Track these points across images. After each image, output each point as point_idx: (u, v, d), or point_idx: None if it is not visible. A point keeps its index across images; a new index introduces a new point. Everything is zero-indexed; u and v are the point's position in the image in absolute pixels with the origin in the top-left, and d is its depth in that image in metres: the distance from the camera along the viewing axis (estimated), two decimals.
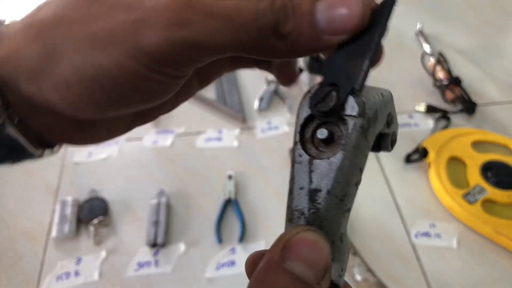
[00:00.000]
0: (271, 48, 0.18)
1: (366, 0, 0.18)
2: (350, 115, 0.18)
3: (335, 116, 0.18)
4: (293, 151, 0.19)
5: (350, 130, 0.18)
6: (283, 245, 0.16)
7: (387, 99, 0.20)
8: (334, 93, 0.18)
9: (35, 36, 0.18)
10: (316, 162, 0.18)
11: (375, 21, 0.18)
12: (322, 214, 0.18)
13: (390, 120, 0.21)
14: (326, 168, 0.18)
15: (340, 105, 0.18)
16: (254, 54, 0.18)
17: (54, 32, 0.18)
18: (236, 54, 0.18)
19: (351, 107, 0.18)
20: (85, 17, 0.17)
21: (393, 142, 0.22)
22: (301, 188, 0.18)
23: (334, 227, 0.18)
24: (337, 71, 0.19)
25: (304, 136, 0.19)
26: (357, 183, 0.19)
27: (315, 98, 0.19)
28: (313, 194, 0.18)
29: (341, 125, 0.18)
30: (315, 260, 0.16)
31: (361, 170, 0.19)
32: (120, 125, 0.23)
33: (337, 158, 0.18)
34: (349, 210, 0.19)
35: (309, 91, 0.19)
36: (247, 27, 0.17)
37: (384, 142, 0.21)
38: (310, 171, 0.18)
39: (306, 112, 0.19)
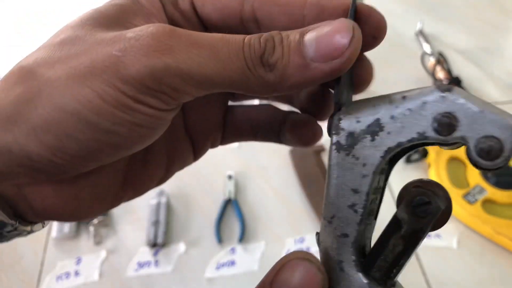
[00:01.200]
0: (260, 80, 0.17)
1: (355, 26, 0.16)
2: (331, 134, 0.17)
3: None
4: None
5: (329, 148, 0.17)
6: (277, 268, 0.16)
7: (404, 107, 0.16)
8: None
9: (14, 82, 0.17)
10: None
11: None
12: (320, 238, 0.17)
13: (441, 126, 0.16)
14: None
15: (332, 126, 0.17)
16: (243, 88, 0.17)
17: (34, 75, 0.17)
18: (224, 90, 0.17)
19: (334, 125, 0.17)
20: (67, 55, 0.17)
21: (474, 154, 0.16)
22: None
23: (326, 251, 0.17)
24: (337, 96, 0.18)
25: None
26: (353, 206, 0.17)
27: (328, 123, 0.19)
28: None
29: None
30: (303, 287, 0.16)
31: (355, 191, 0.17)
32: (107, 193, 0.21)
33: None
34: (345, 235, 0.17)
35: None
36: (234, 58, 0.16)
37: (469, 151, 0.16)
38: None
39: None
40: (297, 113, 0.25)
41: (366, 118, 0.17)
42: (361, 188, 0.17)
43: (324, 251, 0.17)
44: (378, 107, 0.17)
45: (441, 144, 0.16)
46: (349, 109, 0.17)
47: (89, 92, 0.16)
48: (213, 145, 0.26)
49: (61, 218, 0.20)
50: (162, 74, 0.16)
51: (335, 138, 0.17)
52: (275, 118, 0.25)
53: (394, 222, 0.17)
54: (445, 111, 0.16)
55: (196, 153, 0.25)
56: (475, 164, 0.16)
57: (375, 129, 0.16)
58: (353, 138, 0.17)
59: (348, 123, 0.17)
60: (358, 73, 0.20)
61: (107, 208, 0.21)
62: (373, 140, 0.17)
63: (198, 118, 0.25)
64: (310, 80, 0.17)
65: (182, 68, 0.16)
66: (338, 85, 0.18)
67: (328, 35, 0.16)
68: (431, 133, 0.16)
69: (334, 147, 0.17)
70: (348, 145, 0.17)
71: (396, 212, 0.17)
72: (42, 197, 0.18)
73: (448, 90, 0.16)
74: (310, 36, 0.17)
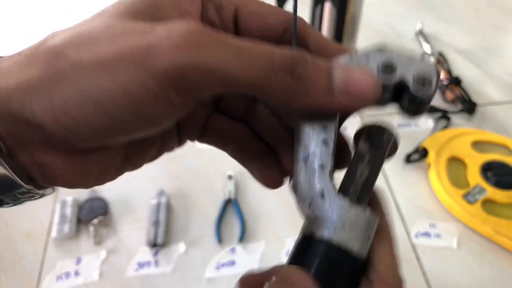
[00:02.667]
0: (283, 85, 0.17)
1: (377, 79, 0.19)
2: None
3: None
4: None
5: None
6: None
7: None
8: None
9: (40, 60, 0.17)
10: None
11: None
12: (296, 181, 0.21)
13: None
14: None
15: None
16: (262, 91, 0.17)
17: (60, 57, 0.17)
18: (243, 91, 0.17)
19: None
20: (94, 41, 0.17)
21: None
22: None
23: (305, 187, 0.20)
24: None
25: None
26: (325, 141, 0.20)
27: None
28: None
29: None
30: None
31: (324, 127, 0.21)
32: (111, 166, 0.22)
33: None
34: (322, 166, 0.20)
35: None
36: (261, 59, 0.17)
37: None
38: None
39: None
40: (267, 150, 0.26)
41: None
42: (329, 125, 0.20)
43: (303, 194, 0.20)
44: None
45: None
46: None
47: (112, 84, 0.16)
48: (191, 139, 0.27)
49: (69, 185, 0.21)
50: (188, 70, 0.16)
51: None
52: (248, 144, 0.26)
53: (357, 155, 0.21)
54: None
55: (180, 141, 0.27)
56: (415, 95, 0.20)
57: None
58: None
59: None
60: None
61: (109, 179, 0.22)
62: None
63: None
64: (328, 105, 0.18)
65: (207, 64, 0.16)
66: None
67: (358, 78, 0.18)
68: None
69: None
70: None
71: (357, 148, 0.22)
72: (54, 167, 0.19)
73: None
74: (340, 71, 0.18)
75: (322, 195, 0.20)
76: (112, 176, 0.22)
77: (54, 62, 0.17)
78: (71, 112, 0.17)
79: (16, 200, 0.20)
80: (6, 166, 0.18)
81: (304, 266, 0.19)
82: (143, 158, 0.25)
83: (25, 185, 0.18)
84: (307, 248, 0.20)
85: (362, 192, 0.21)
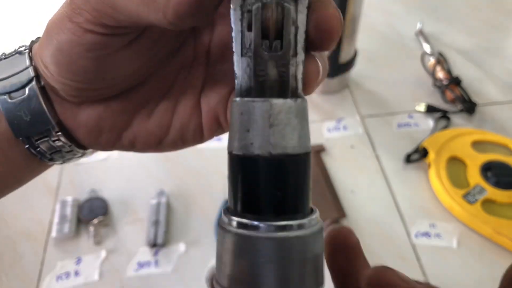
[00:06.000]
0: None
1: None
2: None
3: None
4: None
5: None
6: None
7: None
8: None
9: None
10: None
11: None
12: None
13: None
14: None
15: None
16: (149, 11, 0.18)
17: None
18: (135, 16, 0.19)
19: None
20: None
21: None
22: None
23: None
24: None
25: None
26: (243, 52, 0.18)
27: None
28: None
29: None
30: None
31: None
32: (111, 127, 0.24)
33: None
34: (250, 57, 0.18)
35: None
36: None
37: None
38: None
39: None
40: None
41: None
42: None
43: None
44: None
45: None
46: None
47: (55, 19, 0.21)
48: (220, 123, 0.25)
49: (87, 135, 0.24)
50: None
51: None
52: None
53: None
54: None
55: (205, 128, 0.25)
56: None
57: None
58: None
59: None
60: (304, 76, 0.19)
61: (107, 143, 0.25)
62: None
63: (216, 84, 0.24)
64: None
65: None
66: None
67: None
68: None
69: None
70: None
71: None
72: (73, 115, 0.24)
73: None
74: None
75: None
76: (109, 138, 0.24)
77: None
78: (56, 52, 0.21)
79: (63, 157, 0.25)
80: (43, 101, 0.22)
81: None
82: (147, 134, 0.25)
83: (52, 121, 0.23)
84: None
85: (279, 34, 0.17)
